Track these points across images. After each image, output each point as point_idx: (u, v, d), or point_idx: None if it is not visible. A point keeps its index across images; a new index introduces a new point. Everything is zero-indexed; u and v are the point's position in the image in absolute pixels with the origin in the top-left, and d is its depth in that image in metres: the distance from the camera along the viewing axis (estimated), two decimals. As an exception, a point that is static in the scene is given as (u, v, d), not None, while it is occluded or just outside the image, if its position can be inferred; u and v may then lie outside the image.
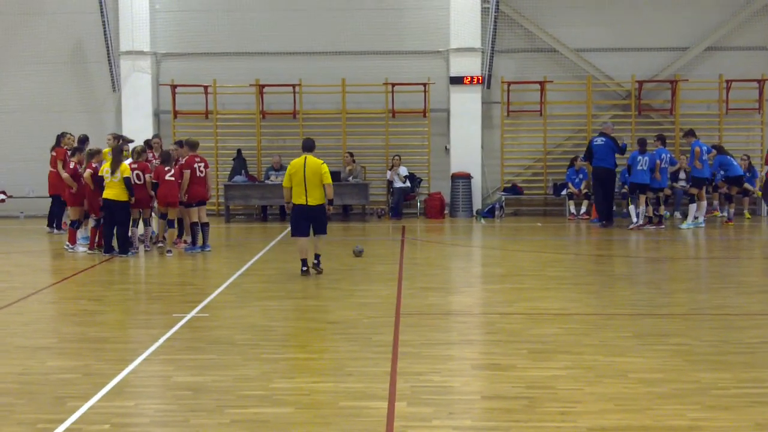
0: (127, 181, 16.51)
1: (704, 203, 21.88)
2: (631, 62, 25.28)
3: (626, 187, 22.64)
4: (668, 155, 21.72)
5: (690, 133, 21.74)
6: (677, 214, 23.54)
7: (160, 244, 17.12)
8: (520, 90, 25.47)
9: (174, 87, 25.02)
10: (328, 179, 14.51)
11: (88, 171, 16.98)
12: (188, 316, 11.08)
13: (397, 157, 24.51)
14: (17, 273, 15.49)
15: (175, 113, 25.26)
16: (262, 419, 7.14)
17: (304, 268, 14.66)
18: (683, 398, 7.61)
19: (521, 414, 7.24)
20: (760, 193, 24.24)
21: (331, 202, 14.73)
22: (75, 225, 17.54)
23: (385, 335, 10.02)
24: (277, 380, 8.21)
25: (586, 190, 23.75)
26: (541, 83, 25.02)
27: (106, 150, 17.92)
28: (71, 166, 17.87)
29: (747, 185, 23.65)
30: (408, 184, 24.47)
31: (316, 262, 14.83)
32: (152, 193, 17.23)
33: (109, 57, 24.98)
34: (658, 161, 21.23)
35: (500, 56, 25.27)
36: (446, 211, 24.87)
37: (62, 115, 24.71)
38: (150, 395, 8.04)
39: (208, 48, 25.52)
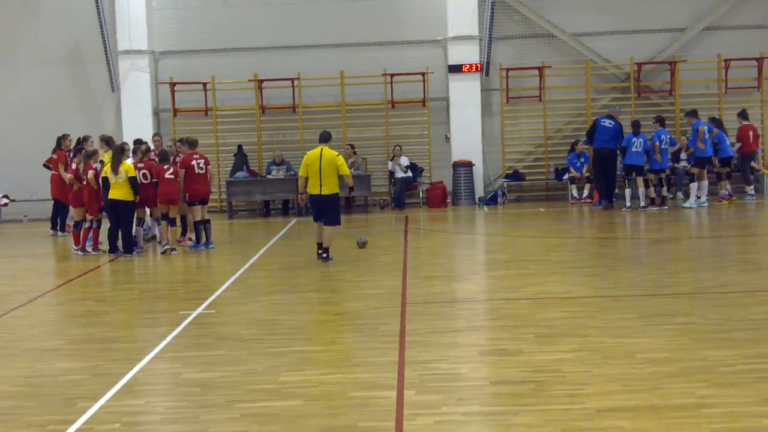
0: (133, 180, 16.53)
1: (705, 183, 21.90)
2: (630, 45, 25.26)
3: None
4: (668, 136, 21.74)
5: (692, 114, 21.78)
6: (679, 195, 23.54)
7: (166, 246, 17.05)
8: (519, 76, 25.46)
9: (173, 85, 25.03)
10: (346, 170, 15.07)
11: (91, 172, 16.98)
12: (195, 313, 11.10)
13: (398, 148, 24.52)
14: (22, 276, 15.53)
15: (175, 111, 25.28)
16: (271, 413, 7.17)
17: (320, 252, 15.32)
18: (690, 376, 7.62)
19: (529, 398, 7.26)
20: (765, 170, 24.26)
21: (351, 189, 15.88)
22: (79, 226, 17.55)
23: (392, 325, 10.04)
24: (286, 373, 8.23)
25: (587, 174, 23.75)
26: (540, 69, 25.01)
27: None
28: (73, 167, 17.89)
29: (753, 164, 23.64)
30: (409, 173, 24.49)
31: (323, 254, 15.21)
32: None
33: (107, 57, 24.99)
34: (657, 143, 21.25)
35: (498, 43, 25.27)
36: (449, 200, 24.88)
37: (62, 116, 24.72)
38: (159, 393, 8.06)
39: (206, 44, 25.52)
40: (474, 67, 25.02)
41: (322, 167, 14.89)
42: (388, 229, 20.39)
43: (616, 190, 23.06)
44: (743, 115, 23.27)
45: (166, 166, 16.99)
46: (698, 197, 21.60)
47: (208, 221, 17.51)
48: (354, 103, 25.32)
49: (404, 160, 24.43)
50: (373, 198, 24.88)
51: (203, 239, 17.37)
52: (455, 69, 25.08)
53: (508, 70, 25.11)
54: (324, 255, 15.20)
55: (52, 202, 21.18)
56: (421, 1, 25.45)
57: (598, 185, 22.49)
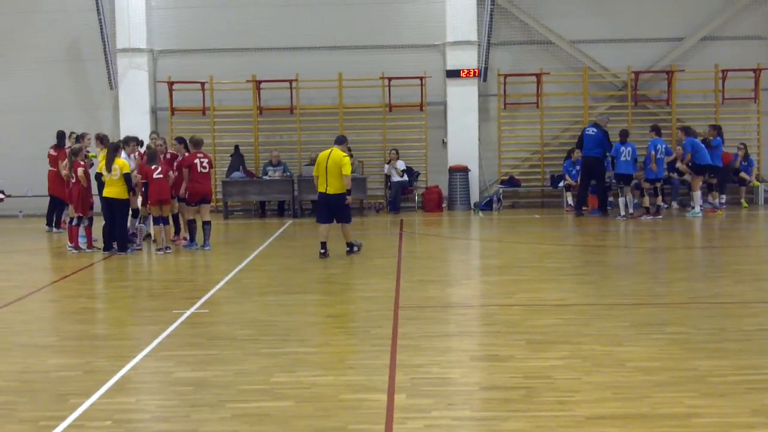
0: (127, 177, 16.53)
1: (698, 193, 21.96)
2: (627, 53, 25.32)
3: (606, 177, 22.88)
4: (664, 146, 21.78)
5: (686, 130, 21.96)
6: (674, 204, 23.61)
7: (160, 249, 16.98)
8: (517, 82, 25.51)
9: (171, 84, 25.05)
10: (347, 171, 15.60)
11: (80, 169, 16.93)
12: (188, 313, 11.11)
13: (394, 151, 24.56)
14: (17, 272, 15.53)
15: (173, 110, 25.29)
16: (263, 413, 7.18)
17: (322, 251, 15.81)
18: (681, 386, 7.65)
19: (520, 404, 7.28)
20: (757, 183, 24.33)
21: (348, 192, 15.85)
22: (75, 223, 17.49)
23: (384, 328, 10.06)
24: (278, 374, 8.25)
25: (579, 182, 23.76)
26: (538, 75, 25.06)
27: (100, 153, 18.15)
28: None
29: (743, 174, 23.76)
30: (406, 177, 24.52)
31: (348, 249, 16.13)
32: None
33: (105, 55, 25.00)
34: (653, 152, 21.30)
35: (496, 49, 25.32)
36: (444, 205, 24.92)
37: (60, 113, 24.70)
38: (151, 391, 8.08)
39: (205, 44, 25.54)
40: (472, 73, 25.07)
41: (329, 167, 15.61)
42: (383, 233, 20.40)
43: (610, 199, 23.17)
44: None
45: (153, 167, 16.89)
46: (702, 205, 21.78)
47: (208, 223, 17.40)
48: (352, 106, 25.34)
49: (401, 164, 24.47)
50: (368, 201, 24.90)
51: (200, 240, 17.31)
52: (453, 74, 25.13)
53: (506, 76, 25.15)
54: (348, 249, 16.12)
55: (48, 198, 21.16)
56: (421, 5, 25.50)
57: (581, 193, 22.67)
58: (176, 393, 7.81)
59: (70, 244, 17.30)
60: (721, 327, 9.88)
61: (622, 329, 9.84)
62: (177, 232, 17.97)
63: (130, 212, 17.22)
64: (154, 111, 25.73)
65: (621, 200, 21.89)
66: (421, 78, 24.84)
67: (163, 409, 7.43)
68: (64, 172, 18.32)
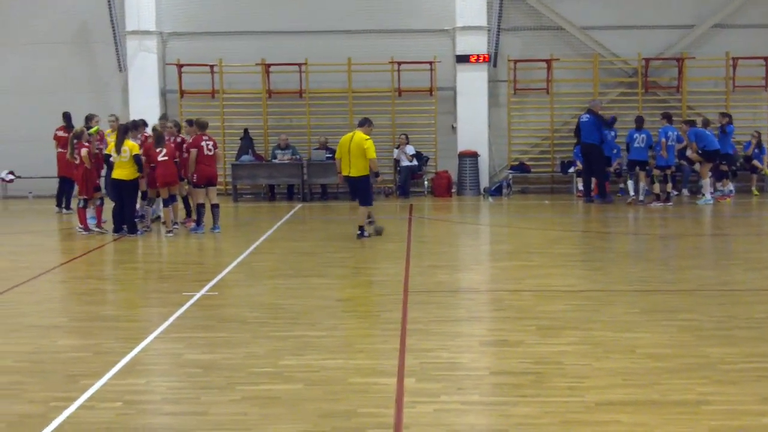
0: (137, 158, 16.53)
1: (707, 181, 21.91)
2: (638, 40, 25.19)
3: (616, 164, 22.83)
4: (675, 133, 21.69)
5: (689, 122, 21.96)
6: (684, 191, 23.56)
7: (169, 231, 17.03)
8: (527, 68, 25.41)
9: (180, 66, 25.01)
10: (372, 154, 15.90)
11: (84, 150, 16.91)
12: (198, 295, 11.13)
13: (403, 136, 24.52)
14: (27, 253, 15.57)
15: (182, 93, 25.26)
16: (272, 396, 7.20)
17: (361, 231, 16.15)
18: (691, 373, 7.65)
19: (529, 389, 7.29)
20: (768, 170, 24.28)
21: (376, 174, 16.38)
22: (82, 205, 17.44)
23: (394, 312, 10.06)
24: (287, 357, 8.27)
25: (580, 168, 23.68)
26: (548, 61, 24.98)
27: (106, 131, 18.21)
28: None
29: (756, 162, 23.69)
30: (415, 162, 24.50)
31: (359, 233, 16.10)
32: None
33: (115, 37, 24.96)
34: (663, 139, 21.23)
35: (506, 34, 25.22)
36: (453, 190, 24.88)
37: (69, 95, 24.65)
38: (161, 373, 8.11)
39: (215, 27, 25.48)
40: (482, 58, 24.99)
41: (351, 149, 15.89)
42: (393, 217, 20.37)
43: (621, 185, 23.20)
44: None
45: (158, 149, 16.88)
46: (712, 193, 21.74)
47: (216, 206, 17.41)
48: (361, 90, 25.28)
49: (410, 149, 24.43)
50: (378, 186, 24.86)
51: (207, 222, 17.33)
52: (463, 59, 25.05)
53: (516, 61, 25.07)
54: (359, 232, 16.12)
55: (58, 179, 21.18)
56: (431, -10, 25.42)
57: (583, 179, 22.67)
58: (186, 375, 7.83)
59: (79, 226, 17.30)
60: (732, 314, 9.88)
61: (632, 315, 9.84)
62: (189, 214, 17.95)
63: (139, 194, 17.22)
64: (163, 93, 25.69)
65: (630, 183, 22.02)
66: (430, 63, 24.77)
67: (173, 391, 7.46)
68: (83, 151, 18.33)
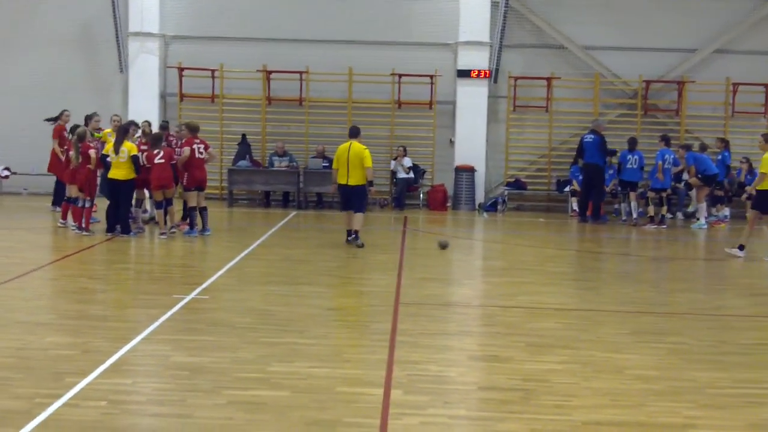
0: (135, 159, 16.52)
1: (703, 205, 21.97)
2: (639, 62, 25.26)
3: (612, 184, 22.95)
4: (672, 156, 21.75)
5: (685, 146, 22.01)
6: (679, 215, 23.58)
7: (173, 229, 17.06)
8: (527, 85, 25.45)
9: (181, 70, 25.01)
10: (369, 163, 16.38)
11: (92, 152, 16.87)
12: (188, 298, 11.11)
13: (401, 148, 24.53)
14: (19, 249, 15.51)
15: (182, 96, 25.26)
16: (258, 401, 7.18)
17: (349, 238, 16.55)
18: (678, 396, 7.64)
19: (516, 405, 7.27)
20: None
21: (370, 183, 16.65)
22: (75, 202, 17.32)
23: (384, 323, 10.05)
24: (275, 364, 8.25)
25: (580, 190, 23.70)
26: (548, 79, 25.02)
27: (107, 131, 18.15)
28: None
29: (749, 188, 23.68)
30: (411, 175, 24.50)
31: (354, 236, 16.44)
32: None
33: (117, 38, 24.97)
34: (660, 162, 21.33)
35: (508, 51, 25.26)
36: (449, 204, 24.89)
37: (69, 94, 24.62)
38: (147, 374, 8.08)
39: (217, 32, 25.49)
40: (483, 73, 25.03)
41: (350, 159, 16.30)
42: (387, 229, 20.39)
43: (616, 206, 23.26)
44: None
45: (156, 151, 16.86)
46: (707, 217, 21.79)
47: (204, 208, 17.44)
48: (361, 101, 25.31)
49: (407, 161, 24.45)
50: (373, 197, 24.87)
51: (199, 226, 17.34)
52: (464, 74, 25.09)
53: (516, 78, 25.11)
54: (354, 237, 16.46)
55: (55, 178, 21.12)
56: (434, 4, 25.44)
57: (583, 199, 22.71)
58: (173, 377, 7.81)
59: (73, 224, 17.25)
60: (721, 339, 9.87)
61: (622, 336, 9.82)
62: (184, 218, 17.92)
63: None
64: (163, 96, 25.69)
65: (623, 206, 22.21)
66: (431, 76, 24.80)
67: (158, 392, 7.43)
68: (58, 149, 18.29)
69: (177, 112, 24.99)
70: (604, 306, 11.71)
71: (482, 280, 14.13)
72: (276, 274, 13.33)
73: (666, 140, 21.88)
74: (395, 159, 24.52)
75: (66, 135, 19.12)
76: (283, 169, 23.74)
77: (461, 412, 7.16)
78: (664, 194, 21.73)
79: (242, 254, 15.01)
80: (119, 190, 16.60)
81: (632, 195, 21.98)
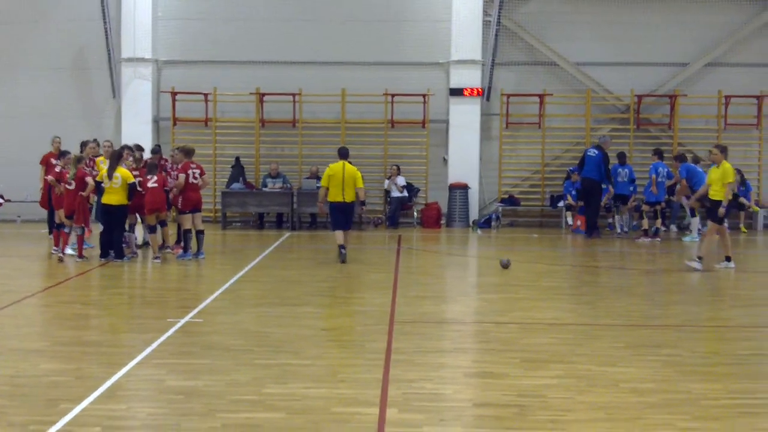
0: (132, 186, 16.54)
1: (696, 218, 22.03)
2: (631, 77, 25.38)
3: (606, 198, 23.07)
4: (666, 169, 21.83)
5: (680, 158, 22.02)
6: (672, 228, 23.62)
7: (167, 249, 17.09)
8: (520, 102, 25.56)
9: (174, 94, 25.08)
10: (361, 183, 17.28)
11: (90, 179, 16.87)
12: (182, 321, 11.08)
13: (395, 167, 24.58)
14: (12, 276, 15.50)
15: (175, 120, 25.31)
16: (254, 424, 7.16)
17: (343, 251, 16.91)
18: (673, 408, 7.63)
19: (512, 421, 7.26)
20: (756, 208, 24.35)
21: (363, 203, 17.25)
22: (62, 228, 17.23)
23: (379, 342, 10.03)
24: (270, 385, 8.23)
25: (581, 203, 23.77)
26: (541, 96, 25.11)
27: (99, 158, 18.21)
28: (57, 170, 17.62)
29: (742, 199, 23.76)
30: (405, 193, 24.54)
31: (344, 252, 16.86)
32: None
33: (110, 63, 25.07)
34: (654, 175, 21.42)
35: (500, 69, 25.36)
36: (443, 221, 24.92)
37: (62, 119, 24.76)
38: (142, 399, 8.05)
39: (209, 56, 25.59)
40: (475, 92, 25.12)
41: (345, 179, 16.94)
42: (381, 248, 20.39)
43: (610, 220, 23.35)
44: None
45: (149, 176, 16.90)
46: (699, 230, 21.85)
47: (201, 232, 17.46)
48: (354, 121, 25.38)
49: (401, 180, 24.48)
50: (367, 216, 24.90)
51: (193, 249, 17.34)
52: (456, 92, 25.18)
53: (509, 95, 25.20)
54: (345, 251, 16.94)
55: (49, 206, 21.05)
56: (426, 24, 25.55)
57: (585, 214, 22.79)
58: (167, 401, 7.78)
59: (55, 248, 17.20)
60: (715, 351, 9.87)
61: (617, 350, 9.82)
62: (178, 241, 17.92)
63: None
64: (156, 121, 25.75)
65: (617, 218, 22.61)
66: (424, 95, 24.88)
67: (153, 417, 7.40)
68: (41, 176, 18.33)
69: (170, 136, 25.04)
70: (599, 320, 11.70)
71: (476, 297, 14.12)
72: (270, 296, 13.31)
73: (659, 154, 21.97)
74: (389, 178, 24.56)
75: (53, 162, 18.91)
76: (277, 190, 23.78)
77: (457, 429, 7.14)
78: (658, 207, 21.79)
79: (236, 276, 15.00)
80: (112, 215, 16.60)
81: (624, 208, 22.34)
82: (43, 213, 21.53)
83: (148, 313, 12.09)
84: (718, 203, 16.31)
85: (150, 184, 16.79)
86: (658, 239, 21.23)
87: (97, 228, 17.89)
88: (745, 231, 23.77)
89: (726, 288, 14.98)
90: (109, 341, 10.29)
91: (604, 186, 22.61)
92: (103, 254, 16.81)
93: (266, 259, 17.68)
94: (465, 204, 24.79)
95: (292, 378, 8.51)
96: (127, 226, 17.30)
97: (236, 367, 8.90)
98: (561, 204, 24.52)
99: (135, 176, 16.97)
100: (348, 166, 17.15)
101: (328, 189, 17.06)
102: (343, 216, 17.10)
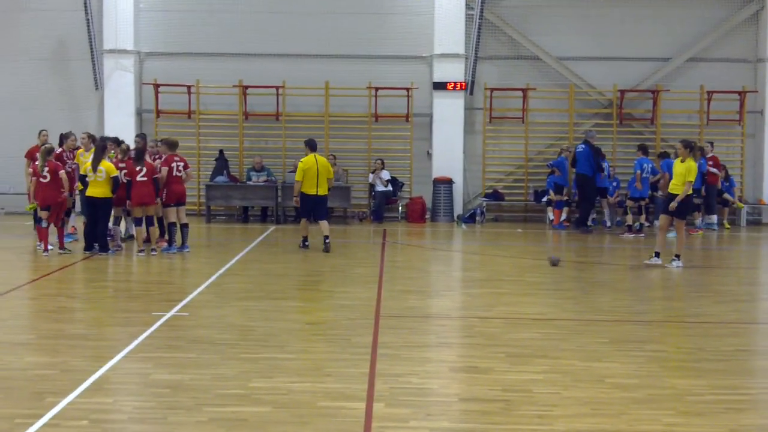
0: (115, 180, 16.45)
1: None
2: (614, 71, 25.41)
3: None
4: (650, 165, 21.89)
5: (663, 155, 22.05)
6: (656, 223, 23.66)
7: (141, 251, 16.92)
8: (503, 97, 25.56)
9: (157, 86, 24.97)
10: (332, 174, 18.21)
11: (62, 172, 16.75)
12: (168, 315, 11.08)
13: (379, 161, 24.55)
14: (-4, 269, 15.46)
15: (158, 112, 25.20)
16: (240, 418, 7.17)
17: (306, 243, 17.84)
18: (658, 403, 7.68)
19: (498, 416, 7.29)
20: (740, 204, 24.46)
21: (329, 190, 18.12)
22: (41, 223, 17.10)
23: (364, 337, 10.06)
24: (256, 379, 8.24)
25: (566, 198, 23.83)
26: (524, 90, 25.13)
27: (79, 150, 18.11)
28: (36, 164, 17.47)
29: (726, 195, 23.88)
30: (390, 188, 24.52)
31: (328, 241, 17.53)
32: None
33: (92, 55, 24.91)
34: (638, 171, 21.48)
35: (483, 63, 25.36)
36: (427, 216, 24.92)
37: (43, 112, 24.60)
38: (128, 392, 8.06)
39: (192, 48, 25.47)
40: (458, 86, 25.10)
41: (320, 171, 17.64)
42: (366, 242, 20.41)
43: (619, 218, 23.48)
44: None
45: (138, 168, 16.79)
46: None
47: (186, 225, 17.43)
48: (338, 114, 25.34)
49: (385, 174, 24.46)
50: (352, 210, 24.89)
51: (178, 242, 17.31)
52: (440, 86, 25.16)
53: (492, 90, 25.21)
54: (328, 242, 17.55)
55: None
56: (409, 17, 25.51)
57: (580, 209, 22.85)
58: (153, 395, 7.79)
59: (39, 243, 17.10)
60: (700, 346, 9.93)
61: (602, 345, 9.87)
62: (162, 234, 17.86)
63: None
64: (139, 113, 25.62)
65: (607, 212, 23.26)
66: (407, 89, 24.86)
67: (139, 410, 7.41)
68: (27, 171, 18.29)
69: (153, 128, 24.90)
70: (583, 315, 11.75)
71: (461, 292, 14.16)
72: (255, 290, 13.31)
73: (644, 149, 22.01)
74: (373, 172, 24.53)
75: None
76: (261, 184, 23.73)
77: (443, 424, 7.17)
78: (642, 203, 21.87)
79: (221, 270, 14.98)
80: (97, 208, 16.52)
81: (604, 202, 22.74)
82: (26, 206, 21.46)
83: (134, 307, 12.07)
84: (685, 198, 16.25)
85: (139, 177, 16.69)
86: (642, 235, 21.31)
87: (81, 221, 17.79)
88: (729, 227, 23.87)
89: (710, 284, 15.06)
90: (95, 335, 10.27)
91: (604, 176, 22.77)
92: (88, 247, 16.74)
93: (251, 252, 17.67)
94: (449, 198, 24.79)
95: (278, 372, 8.53)
96: (112, 219, 17.22)
97: (222, 361, 8.91)
98: (544, 199, 24.56)
99: (121, 168, 16.89)
100: (320, 158, 17.89)
101: (304, 182, 17.61)
102: (315, 208, 17.86)
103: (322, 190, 17.73)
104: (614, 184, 23.26)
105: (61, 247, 16.87)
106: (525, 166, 25.70)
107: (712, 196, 23.32)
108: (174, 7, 25.56)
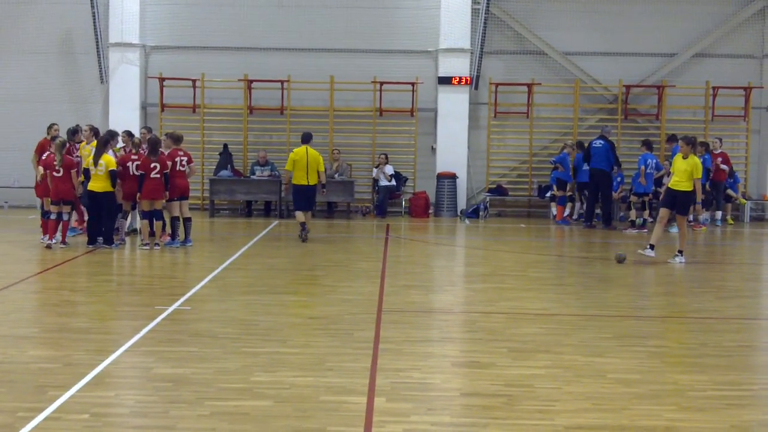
0: (112, 173, 16.45)
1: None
2: (619, 67, 25.39)
3: (621, 190, 23.19)
4: (654, 160, 21.87)
5: (672, 138, 21.93)
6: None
7: (146, 244, 16.91)
8: (508, 92, 25.55)
9: (162, 80, 24.99)
10: (322, 167, 18.53)
11: (74, 171, 16.77)
12: (170, 309, 11.09)
13: (383, 156, 24.55)
14: (0, 262, 15.45)
15: (163, 106, 25.23)
16: (242, 412, 7.18)
17: (305, 229, 18.33)
18: (660, 399, 7.68)
19: (500, 411, 7.29)
20: (743, 200, 24.44)
21: (324, 185, 18.65)
22: (49, 216, 17.12)
23: (367, 331, 10.06)
24: (258, 374, 8.24)
25: (570, 193, 23.79)
26: (529, 85, 25.11)
27: (82, 143, 18.12)
28: (43, 158, 17.47)
29: (730, 191, 23.86)
30: (393, 182, 24.52)
31: (305, 231, 18.27)
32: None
33: (98, 48, 24.93)
34: (643, 166, 21.47)
35: (489, 57, 25.35)
36: (431, 211, 24.92)
37: (49, 105, 24.64)
38: (130, 386, 8.06)
39: (198, 42, 25.49)
40: (464, 80, 25.09)
41: (309, 163, 18.16)
42: (369, 237, 20.41)
43: (622, 213, 23.46)
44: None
45: (152, 164, 16.75)
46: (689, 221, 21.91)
47: (189, 219, 17.44)
48: (342, 109, 25.34)
49: (389, 169, 24.46)
50: (355, 204, 24.89)
51: (181, 236, 17.31)
52: (445, 81, 25.14)
53: (497, 84, 25.19)
54: (306, 231, 18.36)
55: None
56: (415, 11, 25.51)
57: (588, 205, 22.75)
58: (155, 389, 7.79)
59: (43, 237, 17.11)
60: (702, 342, 9.92)
61: (604, 340, 9.86)
62: (164, 228, 17.85)
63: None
64: (144, 106, 25.65)
65: (577, 206, 23.79)
66: (412, 84, 24.85)
67: (141, 404, 7.42)
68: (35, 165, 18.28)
69: (158, 122, 24.93)
70: (585, 310, 11.74)
71: (464, 287, 14.16)
72: (258, 284, 13.32)
73: (648, 145, 21.98)
74: (377, 167, 24.53)
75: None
76: (265, 178, 23.74)
77: (445, 418, 7.17)
78: (646, 199, 21.85)
79: (224, 264, 15.00)
80: (98, 202, 16.53)
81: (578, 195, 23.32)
82: (33, 199, 21.50)
83: (137, 301, 12.09)
84: (680, 193, 16.15)
85: (153, 174, 16.62)
86: (645, 230, 21.26)
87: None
88: (732, 222, 23.86)
89: (713, 279, 15.04)
90: (98, 328, 10.28)
91: (618, 179, 22.70)
92: (91, 241, 16.75)
93: (254, 247, 17.68)
94: (453, 193, 24.78)
95: (280, 366, 8.53)
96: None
97: (224, 355, 8.92)
98: (548, 194, 24.55)
99: (134, 161, 16.87)
100: (311, 150, 18.33)
101: (292, 173, 18.25)
102: (306, 198, 18.47)
103: (311, 181, 18.29)
104: (618, 179, 23.21)
105: (63, 241, 16.88)
106: (529, 162, 25.69)
107: (719, 192, 23.31)
108: (180, 1, 25.58)
